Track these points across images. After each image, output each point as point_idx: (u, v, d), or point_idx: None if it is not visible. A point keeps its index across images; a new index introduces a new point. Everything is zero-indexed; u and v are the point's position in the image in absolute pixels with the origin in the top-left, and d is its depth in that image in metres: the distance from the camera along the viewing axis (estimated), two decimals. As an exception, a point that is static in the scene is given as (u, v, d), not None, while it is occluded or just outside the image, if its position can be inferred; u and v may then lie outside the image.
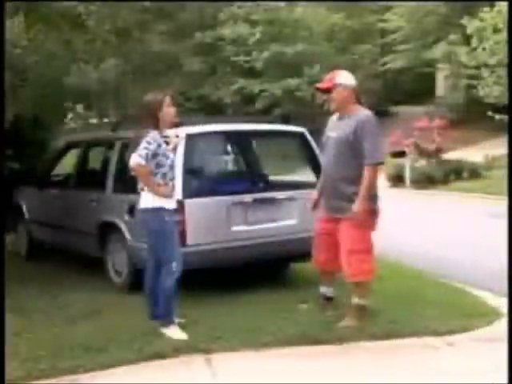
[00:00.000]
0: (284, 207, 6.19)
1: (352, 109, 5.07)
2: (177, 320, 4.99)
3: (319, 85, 5.29)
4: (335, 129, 5.14)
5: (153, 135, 4.84)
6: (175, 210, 5.05)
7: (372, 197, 5.03)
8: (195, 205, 5.70)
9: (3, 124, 6.89)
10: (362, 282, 5.05)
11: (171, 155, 5.00)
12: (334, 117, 5.27)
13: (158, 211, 4.87)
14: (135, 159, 4.78)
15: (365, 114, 5.04)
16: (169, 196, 4.93)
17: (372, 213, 5.03)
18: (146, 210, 4.94)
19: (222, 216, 5.85)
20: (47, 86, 8.41)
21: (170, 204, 4.96)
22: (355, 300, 5.07)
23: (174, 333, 4.83)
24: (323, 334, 4.78)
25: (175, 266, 4.89)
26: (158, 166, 4.87)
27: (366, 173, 4.90)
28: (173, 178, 5.01)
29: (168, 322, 4.91)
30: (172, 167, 4.99)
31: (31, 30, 7.98)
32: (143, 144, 4.79)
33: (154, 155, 4.83)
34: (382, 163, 5.02)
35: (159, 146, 4.86)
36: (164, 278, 4.90)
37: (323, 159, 5.38)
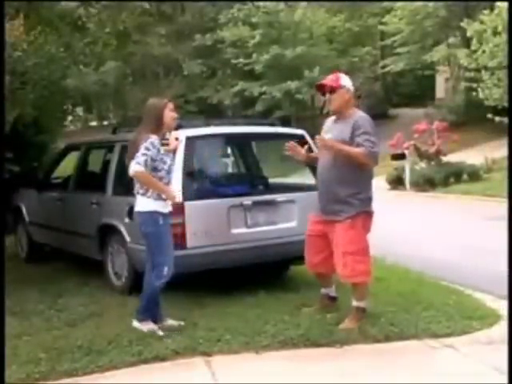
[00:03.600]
0: (284, 209, 6.19)
1: (350, 112, 5.07)
2: (169, 321, 5.06)
3: (324, 81, 5.17)
4: (332, 131, 5.12)
5: (152, 140, 4.84)
6: (170, 214, 5.05)
7: (366, 199, 5.04)
8: (195, 207, 5.70)
9: (3, 127, 6.90)
10: (360, 283, 5.04)
11: (168, 160, 5.01)
12: (330, 119, 5.26)
13: (153, 214, 4.90)
14: (135, 167, 4.79)
15: (360, 115, 5.04)
16: (170, 197, 4.96)
17: (366, 215, 5.04)
18: (141, 213, 4.97)
19: (221, 218, 5.84)
20: (47, 88, 8.42)
21: (165, 207, 4.98)
22: (354, 302, 5.08)
23: (144, 327, 4.90)
24: (323, 336, 4.77)
25: (166, 271, 4.91)
26: (155, 170, 4.89)
27: (360, 150, 4.84)
28: (168, 183, 5.03)
29: (143, 318, 4.97)
30: (169, 172, 5.01)
31: (31, 33, 7.99)
32: (142, 150, 4.79)
33: (152, 160, 4.84)
34: (374, 157, 4.91)
35: (158, 151, 4.88)
36: (153, 280, 4.94)
37: (319, 161, 5.31)
